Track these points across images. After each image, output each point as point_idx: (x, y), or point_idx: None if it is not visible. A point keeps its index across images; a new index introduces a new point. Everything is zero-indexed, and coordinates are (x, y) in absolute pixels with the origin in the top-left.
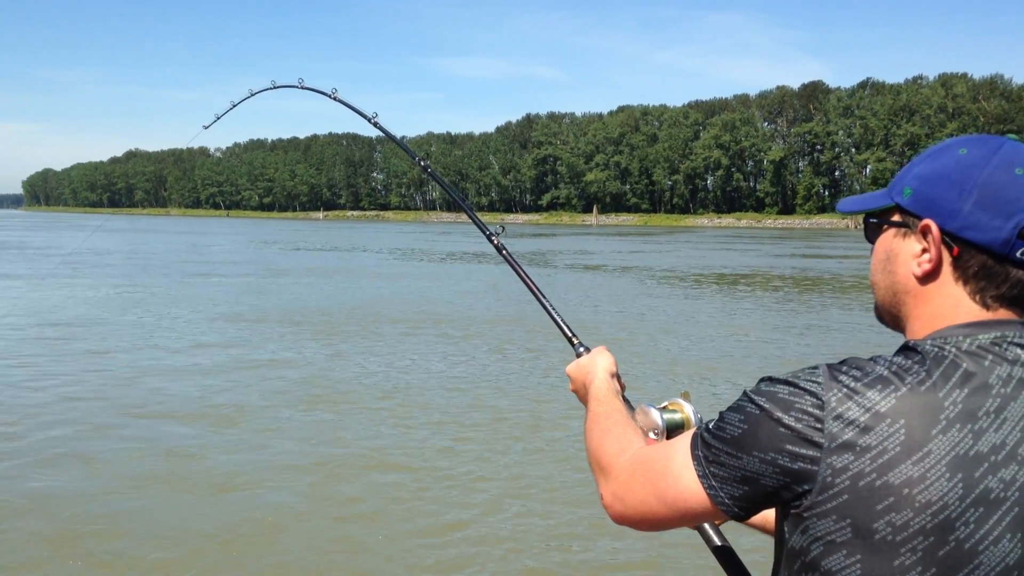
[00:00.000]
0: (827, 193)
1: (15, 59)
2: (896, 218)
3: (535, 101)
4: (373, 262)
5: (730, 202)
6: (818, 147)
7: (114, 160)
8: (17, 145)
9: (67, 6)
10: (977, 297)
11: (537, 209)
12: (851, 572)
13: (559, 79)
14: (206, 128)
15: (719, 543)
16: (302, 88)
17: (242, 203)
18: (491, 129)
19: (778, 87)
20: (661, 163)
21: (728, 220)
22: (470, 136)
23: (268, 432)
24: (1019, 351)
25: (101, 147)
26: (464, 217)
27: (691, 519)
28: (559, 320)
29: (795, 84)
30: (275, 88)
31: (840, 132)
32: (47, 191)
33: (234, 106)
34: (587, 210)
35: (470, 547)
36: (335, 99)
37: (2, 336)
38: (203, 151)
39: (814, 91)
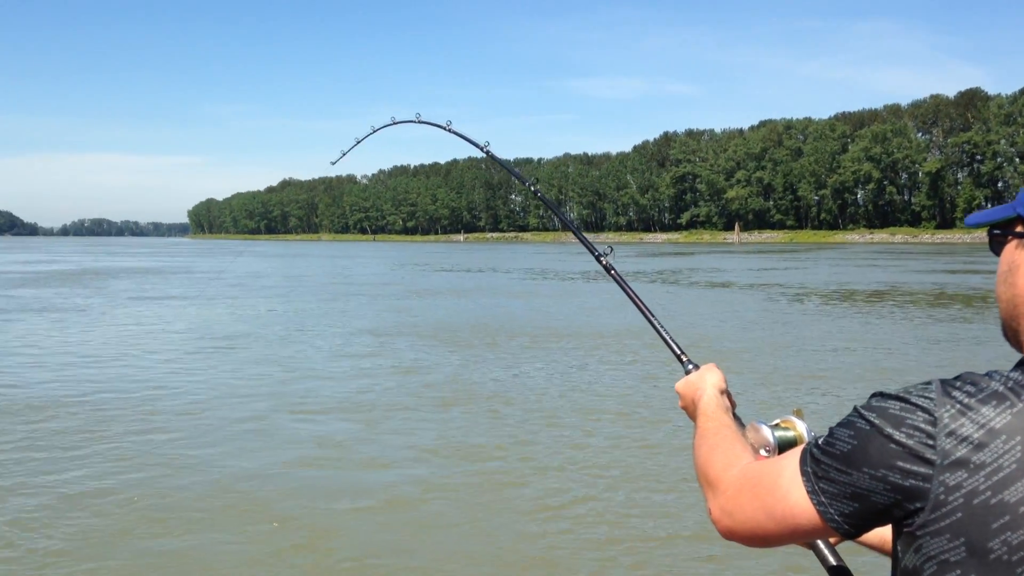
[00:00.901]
0: (990, 205)
1: (181, 96)
2: (1019, 229)
3: (673, 118)
4: (506, 282)
5: (883, 217)
6: (978, 157)
7: (270, 189)
8: (183, 177)
9: (227, 46)
10: None
11: (676, 228)
12: None
13: (697, 95)
14: (333, 164)
15: (834, 563)
16: (419, 122)
17: (387, 227)
18: (628, 148)
19: (932, 96)
20: (807, 178)
21: (881, 236)
22: (607, 156)
23: (407, 424)
24: None
25: (258, 177)
26: (602, 237)
27: (800, 536)
28: (668, 338)
29: (951, 92)
30: (395, 124)
31: (1002, 141)
32: (210, 219)
33: (358, 142)
34: (728, 228)
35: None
36: (449, 130)
37: (180, 346)
38: (351, 178)
39: (972, 98)
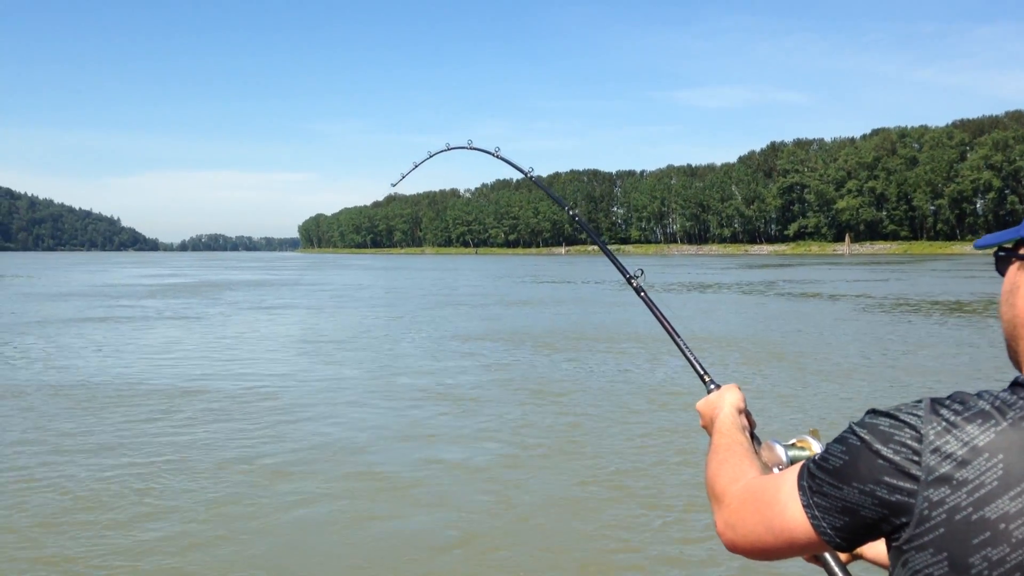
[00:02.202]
0: None
1: (293, 115)
2: (1022, 251)
3: (780, 128)
4: (600, 293)
5: (1004, 227)
6: None
7: (376, 204)
8: (294, 193)
9: (337, 65)
10: None
11: (783, 239)
12: None
13: (806, 104)
14: (394, 186)
15: None
16: (470, 148)
17: (489, 240)
18: (733, 159)
19: None
20: (922, 187)
21: None
22: (711, 167)
23: (487, 409)
24: None
25: (364, 192)
26: (705, 249)
27: (798, 549)
28: (692, 358)
29: None
30: (448, 150)
31: None
32: (319, 234)
33: (416, 166)
34: (838, 239)
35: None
36: (497, 156)
37: (295, 348)
38: (454, 192)
39: None
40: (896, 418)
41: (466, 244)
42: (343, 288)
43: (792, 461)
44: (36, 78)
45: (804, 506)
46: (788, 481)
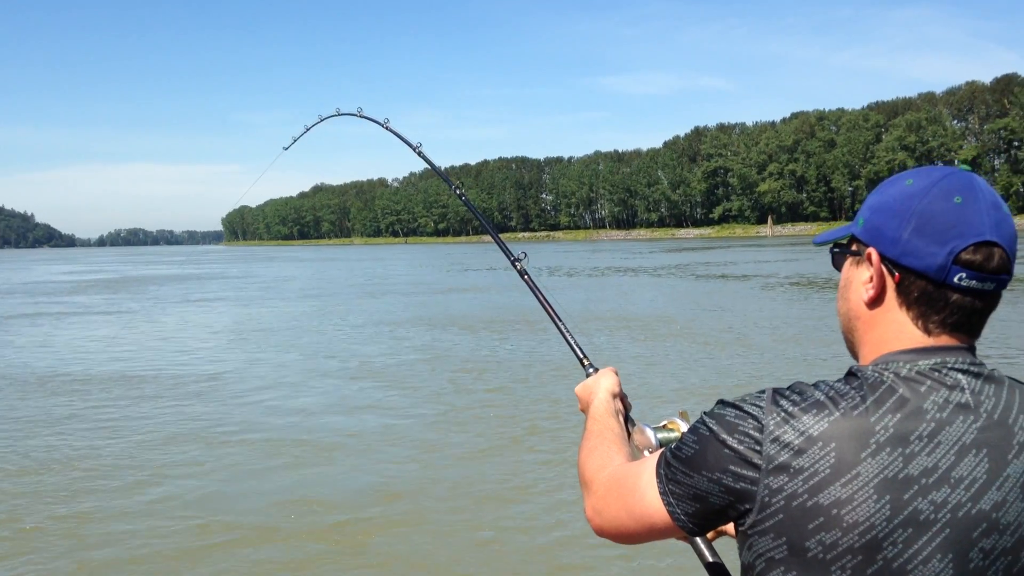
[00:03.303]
0: None
1: (213, 106)
2: (854, 247)
3: (704, 113)
4: (518, 279)
5: None
6: (1015, 143)
7: (302, 195)
8: (216, 185)
9: (255, 55)
10: (920, 323)
11: (709, 223)
12: None
13: (729, 89)
14: (286, 149)
15: (711, 560)
16: (360, 116)
17: (419, 230)
18: (659, 144)
19: (967, 82)
20: (840, 169)
21: None
22: (637, 153)
23: (410, 382)
24: (959, 376)
25: (290, 183)
26: (634, 234)
27: (658, 533)
28: (572, 342)
29: (986, 78)
30: (339, 115)
31: None
32: (244, 227)
33: (308, 129)
34: (761, 221)
35: None
36: (386, 128)
37: (226, 338)
38: (382, 182)
39: (1008, 84)
40: (741, 409)
41: (395, 234)
42: (271, 280)
43: (661, 443)
44: None
45: (660, 493)
46: (648, 469)
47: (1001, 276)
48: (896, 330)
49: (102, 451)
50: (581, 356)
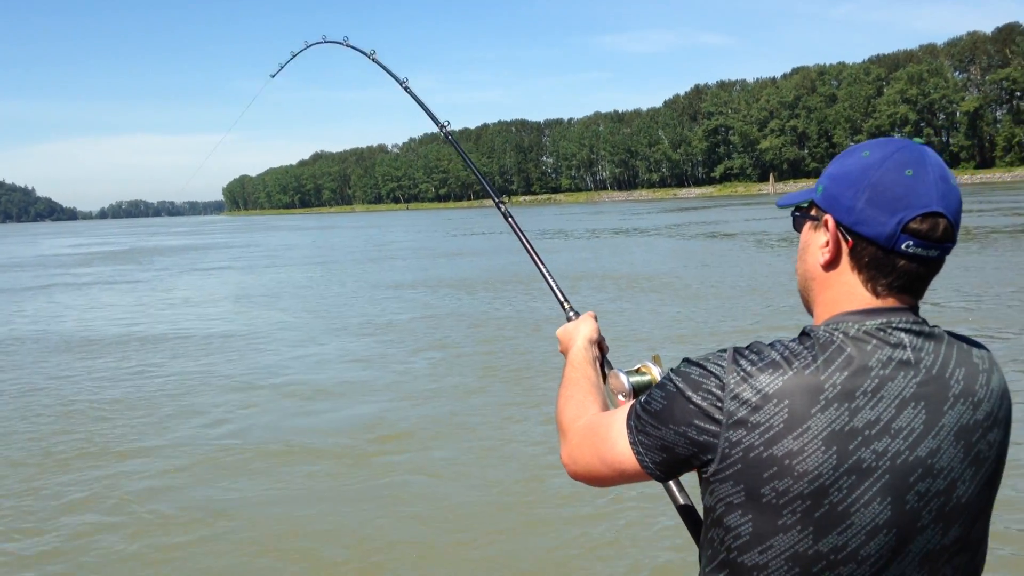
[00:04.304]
0: None
1: (210, 75)
2: (813, 212)
3: (704, 71)
4: (515, 242)
5: None
6: (1018, 94)
7: (302, 163)
8: (216, 154)
9: (252, 23)
10: (869, 286)
11: (710, 182)
12: (745, 528)
13: (729, 46)
14: (272, 76)
15: (683, 503)
16: (346, 46)
17: (420, 196)
18: (659, 104)
19: (969, 33)
20: (842, 124)
21: None
22: (638, 113)
23: (408, 337)
24: (902, 335)
25: (290, 151)
26: (635, 194)
27: (627, 478)
28: (554, 286)
29: (988, 28)
30: (326, 42)
31: None
32: (245, 196)
33: (294, 56)
34: (763, 179)
35: None
36: (372, 59)
37: (236, 302)
38: (382, 148)
39: (1010, 34)
40: (704, 368)
41: (396, 200)
42: (275, 248)
43: (634, 387)
44: None
45: (631, 443)
46: (619, 420)
47: (945, 244)
48: (847, 291)
49: (137, 395)
50: (562, 300)
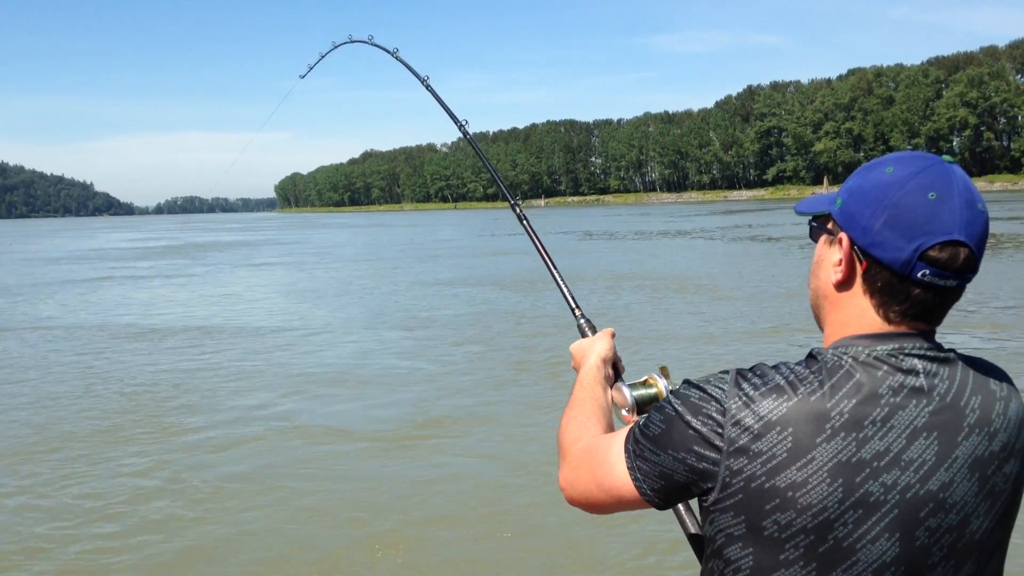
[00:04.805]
0: None
1: (265, 74)
2: (830, 226)
3: (757, 71)
4: (564, 242)
5: (980, 164)
6: None
7: (352, 161)
8: (270, 152)
9: (307, 22)
10: (881, 311)
11: (762, 184)
12: (745, 562)
13: (783, 46)
14: (302, 77)
15: (693, 531)
16: (371, 44)
17: (468, 195)
18: (710, 104)
19: None
20: (899, 127)
21: (979, 184)
22: (688, 113)
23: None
24: (915, 361)
25: (340, 150)
26: (685, 196)
27: (626, 505)
28: (569, 298)
29: None
30: (352, 42)
31: None
32: (296, 193)
33: (322, 57)
34: (817, 182)
35: None
36: (396, 57)
37: (289, 296)
38: (431, 147)
39: None
40: (705, 391)
41: (445, 199)
42: (325, 246)
43: (637, 401)
44: (2, 45)
45: (628, 468)
46: (617, 444)
47: (965, 274)
48: (858, 314)
49: (196, 380)
50: (573, 306)
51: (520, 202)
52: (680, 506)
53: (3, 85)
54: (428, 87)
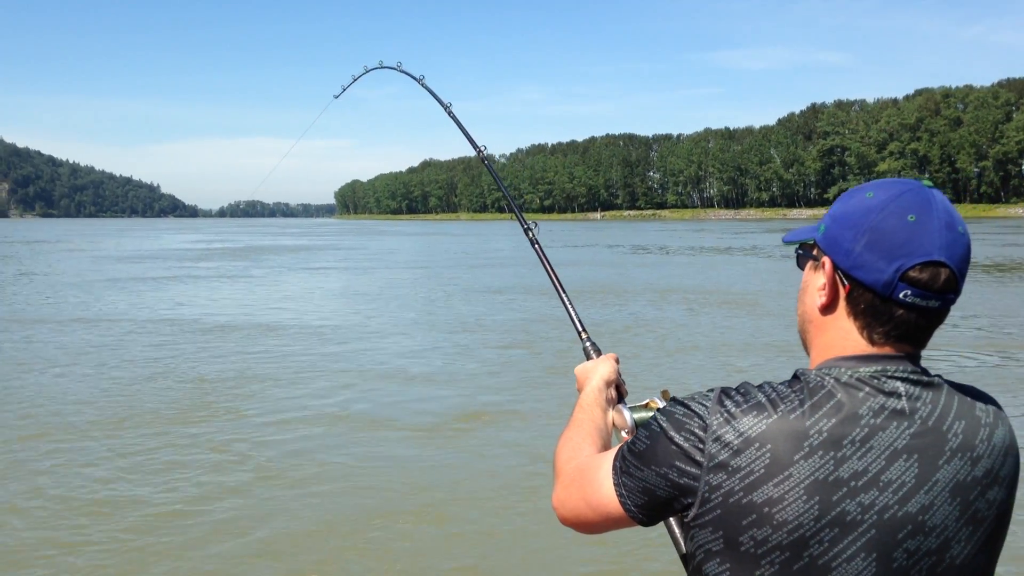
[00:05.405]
0: None
1: (328, 81)
2: (815, 252)
3: (821, 89)
4: (613, 256)
5: None
6: None
7: (411, 170)
8: (330, 159)
9: (373, 31)
10: (865, 333)
11: (823, 203)
12: None
13: (848, 64)
14: (336, 98)
15: (685, 551)
16: (399, 71)
17: (525, 206)
18: (772, 122)
19: None
20: (966, 149)
21: None
22: (749, 130)
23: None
24: (898, 384)
25: (400, 158)
26: (743, 213)
27: (614, 524)
28: (576, 321)
29: None
30: (381, 68)
31: None
32: (355, 200)
33: (355, 80)
34: None
35: None
36: (421, 84)
37: (347, 299)
38: (489, 157)
39: None
40: (689, 408)
41: (501, 210)
42: (380, 252)
43: (636, 423)
44: (76, 48)
45: (614, 485)
46: (607, 462)
47: (947, 295)
48: (842, 337)
49: (255, 372)
50: (580, 329)
51: (532, 227)
52: (674, 525)
53: (77, 88)
54: (450, 114)
